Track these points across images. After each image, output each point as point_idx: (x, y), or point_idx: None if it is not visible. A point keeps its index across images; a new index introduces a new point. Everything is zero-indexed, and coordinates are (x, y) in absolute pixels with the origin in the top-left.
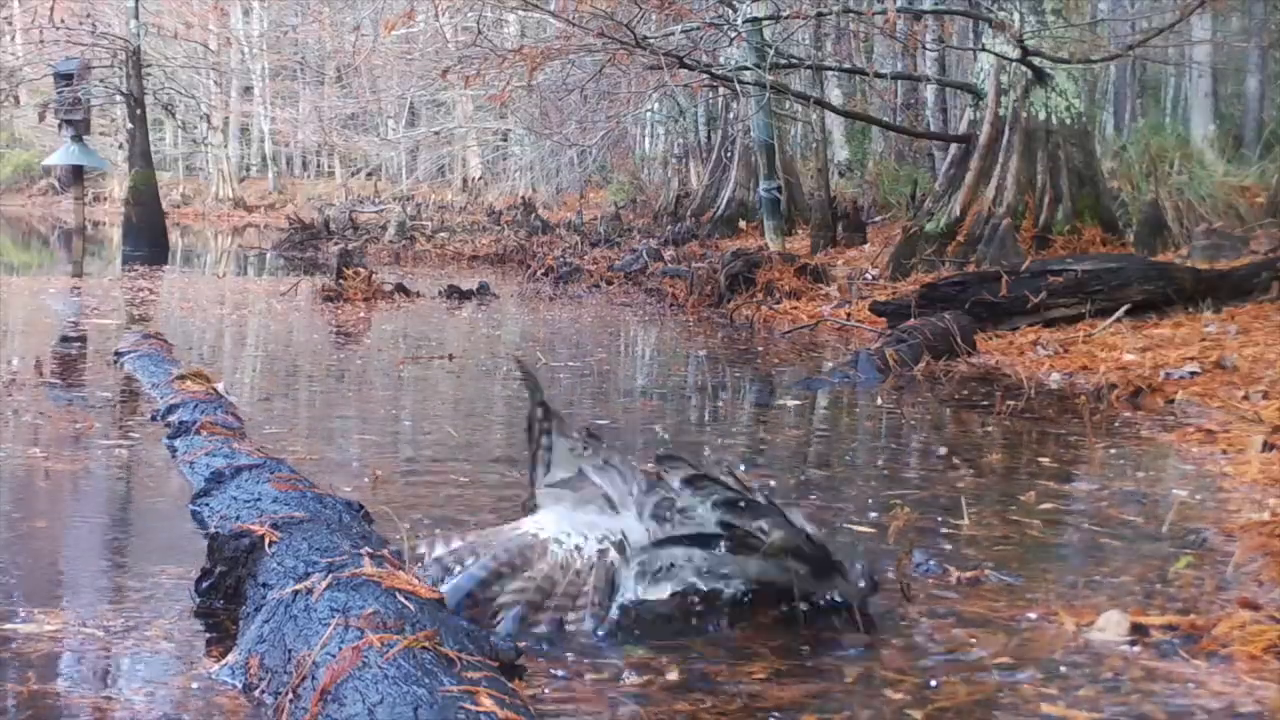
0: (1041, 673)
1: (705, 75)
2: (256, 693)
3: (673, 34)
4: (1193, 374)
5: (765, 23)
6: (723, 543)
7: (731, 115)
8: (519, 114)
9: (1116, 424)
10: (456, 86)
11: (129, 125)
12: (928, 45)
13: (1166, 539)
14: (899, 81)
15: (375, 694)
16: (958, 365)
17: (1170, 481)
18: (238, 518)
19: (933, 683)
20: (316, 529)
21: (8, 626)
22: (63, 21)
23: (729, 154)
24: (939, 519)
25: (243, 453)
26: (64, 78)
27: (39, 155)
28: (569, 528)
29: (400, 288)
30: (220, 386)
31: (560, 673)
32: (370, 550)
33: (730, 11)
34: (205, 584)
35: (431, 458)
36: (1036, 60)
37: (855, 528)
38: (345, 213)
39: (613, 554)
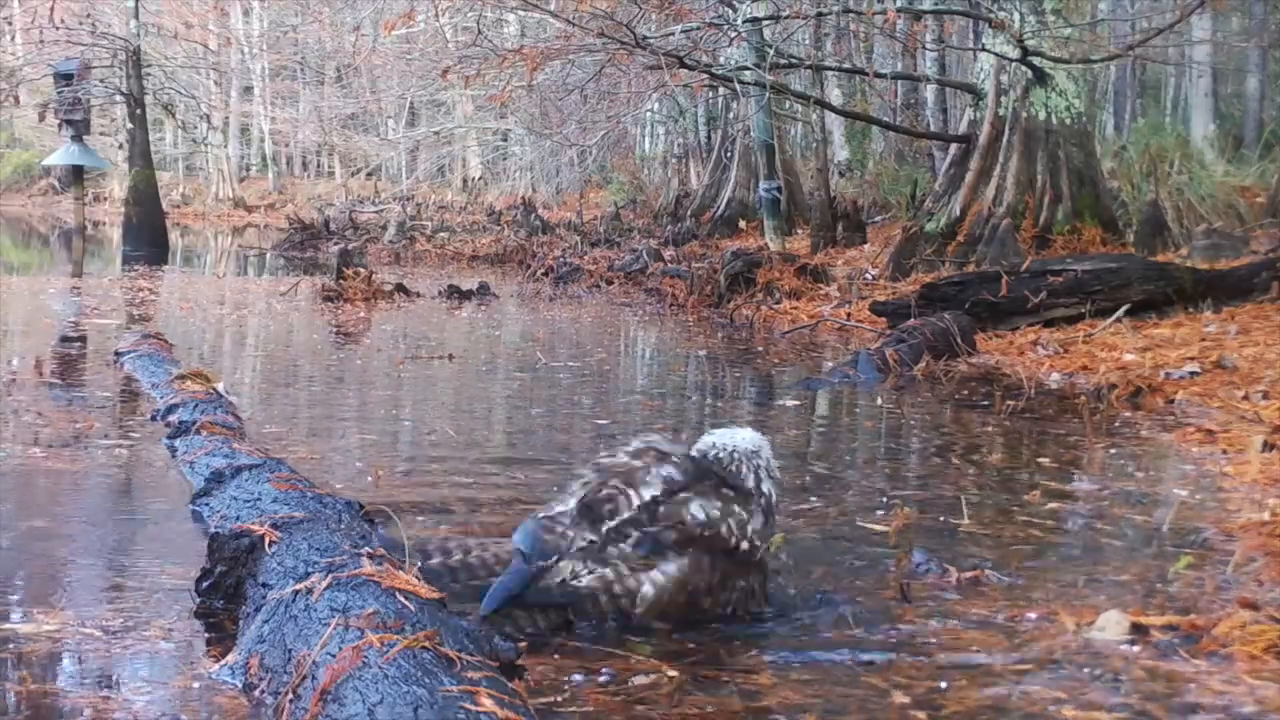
0: (1045, 674)
1: (705, 75)
2: (256, 692)
3: (673, 34)
4: (1193, 374)
5: (765, 23)
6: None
7: (731, 115)
8: (519, 114)
9: (1116, 424)
10: (456, 86)
11: (129, 125)
12: (928, 45)
13: (1166, 539)
14: (899, 81)
15: (375, 694)
16: (958, 365)
17: (1170, 481)
18: (238, 517)
19: (942, 684)
20: (316, 529)
21: (8, 626)
22: (63, 21)
23: (729, 154)
24: (939, 519)
25: (242, 452)
26: (64, 78)
27: (39, 155)
28: None
29: (400, 288)
30: (220, 386)
31: (576, 676)
32: (370, 550)
33: (730, 11)
34: (205, 584)
35: (431, 457)
36: (1036, 60)
37: (857, 527)
38: (345, 213)
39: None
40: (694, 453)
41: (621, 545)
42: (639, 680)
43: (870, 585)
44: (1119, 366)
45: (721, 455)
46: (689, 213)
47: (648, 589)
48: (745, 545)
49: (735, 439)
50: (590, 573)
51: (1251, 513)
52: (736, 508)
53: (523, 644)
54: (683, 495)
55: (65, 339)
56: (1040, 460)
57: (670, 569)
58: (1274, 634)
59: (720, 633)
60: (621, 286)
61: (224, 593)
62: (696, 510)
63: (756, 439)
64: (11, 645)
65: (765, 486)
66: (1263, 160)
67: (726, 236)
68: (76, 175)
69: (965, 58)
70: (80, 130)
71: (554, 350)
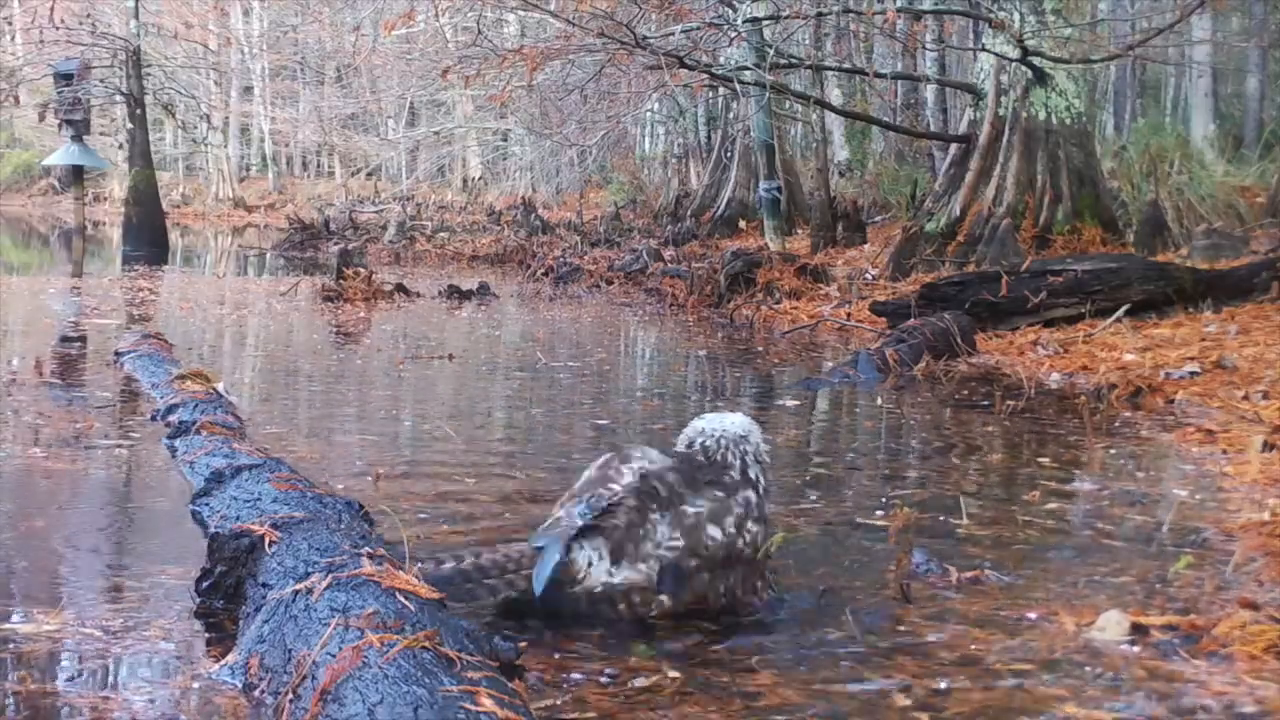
0: (1045, 674)
1: (705, 75)
2: (256, 693)
3: (673, 34)
4: (1193, 374)
5: (765, 23)
6: None
7: (731, 115)
8: (519, 114)
9: (1116, 424)
10: (456, 86)
11: (129, 125)
12: (928, 45)
13: (1166, 539)
14: (899, 81)
15: (375, 694)
16: (958, 365)
17: (1170, 481)
18: (238, 517)
19: (943, 684)
20: (316, 529)
21: (7, 626)
22: (63, 21)
23: (729, 154)
24: (939, 519)
25: (242, 452)
26: (64, 78)
27: (39, 155)
28: None
29: (400, 288)
30: (220, 386)
31: (576, 675)
32: (370, 550)
33: (730, 11)
34: (205, 584)
35: (431, 457)
36: (1036, 60)
37: (857, 527)
38: (345, 213)
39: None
40: (682, 439)
41: (641, 566)
42: (639, 681)
43: (870, 585)
44: (1119, 366)
45: (708, 443)
46: (689, 213)
47: (664, 598)
48: (748, 548)
49: (724, 424)
50: (611, 585)
51: (1251, 513)
52: (738, 510)
53: (523, 644)
54: (693, 512)
55: (65, 339)
56: (1040, 460)
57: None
58: (1274, 634)
59: (720, 633)
60: (621, 286)
61: (224, 593)
62: (714, 532)
63: (745, 424)
64: (11, 645)
65: (753, 472)
66: (1263, 160)
67: (726, 236)
68: (76, 175)
69: (965, 58)
70: (80, 130)
71: (554, 350)
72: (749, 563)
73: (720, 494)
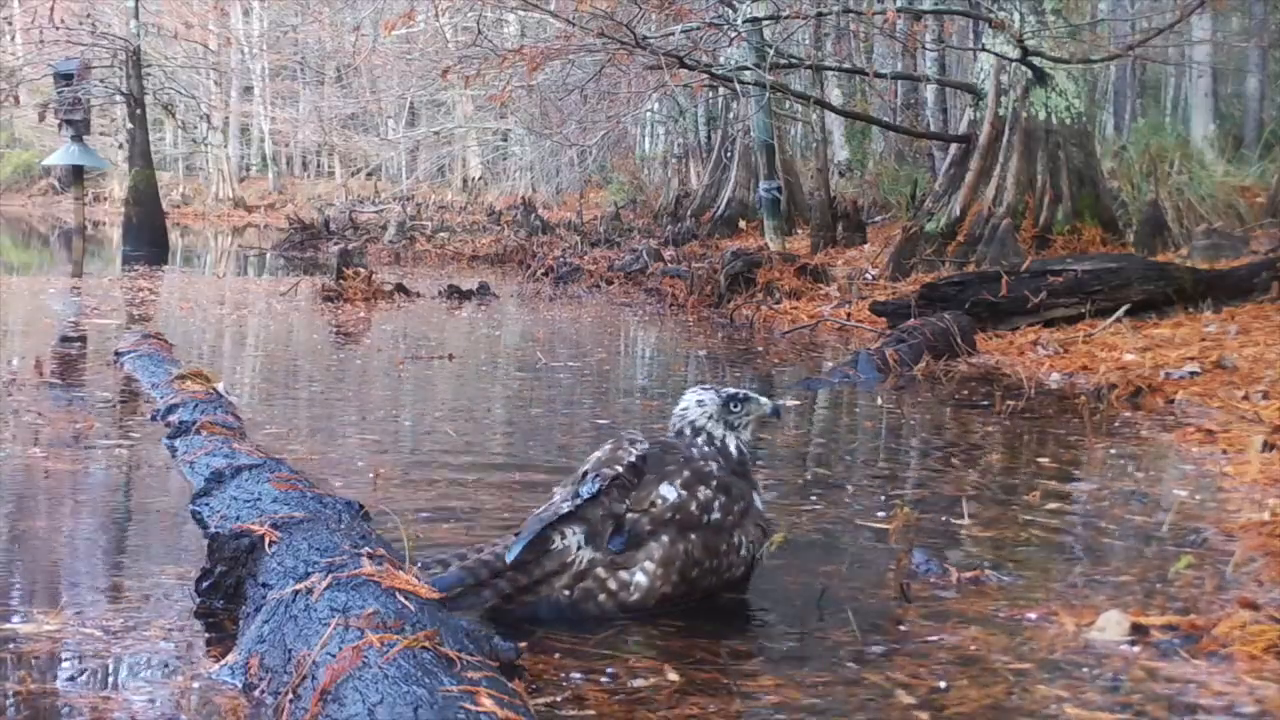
0: (1045, 674)
1: (705, 75)
2: (256, 693)
3: (673, 34)
4: (1193, 374)
5: (765, 23)
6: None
7: (731, 115)
8: (519, 114)
9: (1116, 424)
10: (456, 86)
11: (129, 125)
12: (928, 45)
13: (1166, 539)
14: (899, 81)
15: (375, 694)
16: (958, 365)
17: (1170, 481)
18: (238, 517)
19: (942, 684)
20: (316, 529)
21: (8, 626)
22: (63, 21)
23: (729, 154)
24: (939, 519)
25: (242, 452)
26: (64, 78)
27: (39, 155)
28: None
29: (400, 288)
30: (220, 386)
31: (576, 675)
32: (370, 550)
33: (730, 11)
34: (205, 584)
35: (431, 457)
36: (1036, 60)
37: (857, 527)
38: (345, 213)
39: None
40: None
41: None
42: (639, 681)
43: (870, 585)
44: (1119, 366)
45: (680, 425)
46: (689, 213)
47: (640, 577)
48: (716, 517)
49: (683, 404)
50: (582, 580)
51: (1251, 513)
52: (701, 486)
53: (523, 644)
54: (649, 478)
55: (65, 339)
56: (1040, 460)
57: (655, 553)
58: (1274, 634)
59: (720, 633)
60: (621, 286)
61: (224, 593)
62: (666, 491)
63: (704, 400)
64: (11, 645)
65: (717, 443)
66: (1263, 160)
67: (726, 236)
68: (76, 175)
69: (965, 58)
70: (80, 130)
71: (554, 350)
72: (711, 529)
73: (673, 464)
